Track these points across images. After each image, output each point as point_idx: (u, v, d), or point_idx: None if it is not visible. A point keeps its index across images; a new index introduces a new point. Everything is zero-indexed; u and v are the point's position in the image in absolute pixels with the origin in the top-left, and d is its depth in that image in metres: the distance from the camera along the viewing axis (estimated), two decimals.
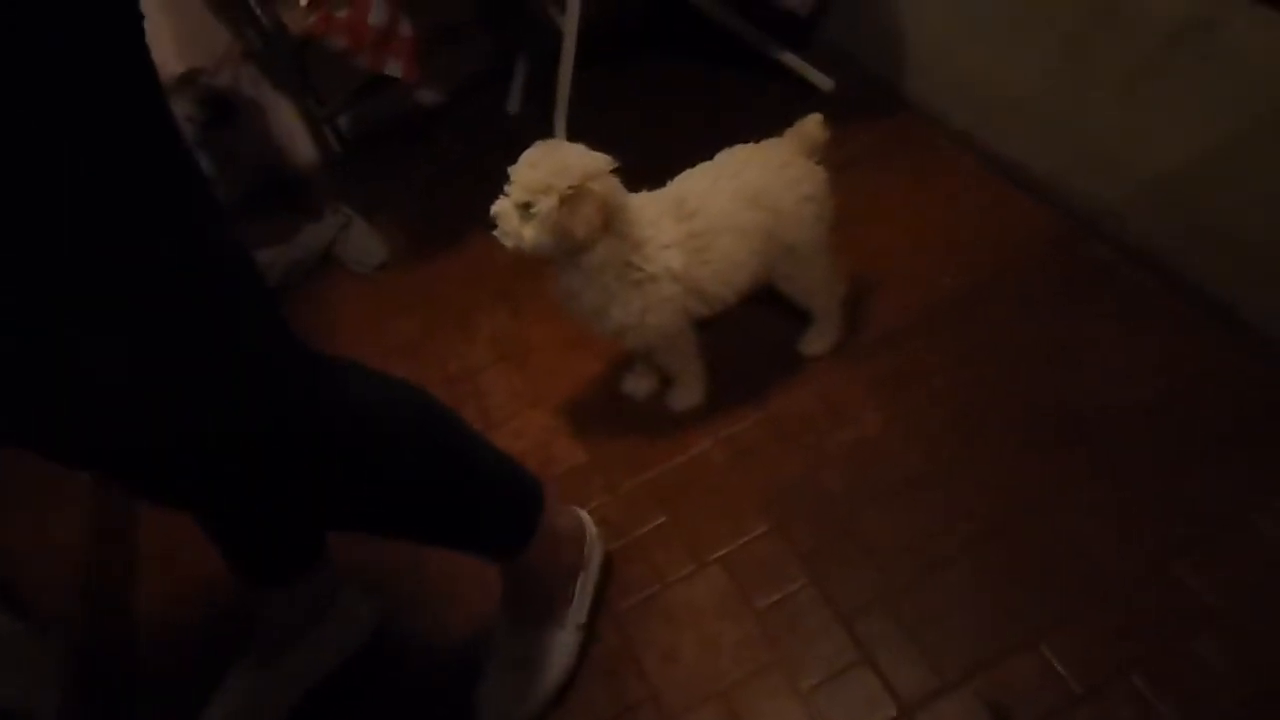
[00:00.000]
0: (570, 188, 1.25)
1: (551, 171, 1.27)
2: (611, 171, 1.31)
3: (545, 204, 1.27)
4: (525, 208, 1.29)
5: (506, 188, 1.32)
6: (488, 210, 1.34)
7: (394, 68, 2.03)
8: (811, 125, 1.47)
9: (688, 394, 1.67)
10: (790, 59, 2.28)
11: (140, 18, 0.69)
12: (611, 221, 1.31)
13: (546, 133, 2.20)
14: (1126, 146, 1.61)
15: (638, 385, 1.74)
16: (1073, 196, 1.76)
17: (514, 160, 1.31)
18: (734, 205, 1.42)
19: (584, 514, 1.47)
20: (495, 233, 1.34)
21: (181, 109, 2.45)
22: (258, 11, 2.32)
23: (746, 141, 1.50)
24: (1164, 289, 1.62)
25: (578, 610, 1.39)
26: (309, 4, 1.75)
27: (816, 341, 1.69)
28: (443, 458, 1.12)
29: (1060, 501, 1.39)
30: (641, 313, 1.41)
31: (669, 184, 1.47)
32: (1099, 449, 1.44)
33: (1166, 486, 1.37)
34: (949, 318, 1.69)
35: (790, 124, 1.50)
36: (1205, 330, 1.55)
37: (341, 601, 1.45)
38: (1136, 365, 1.53)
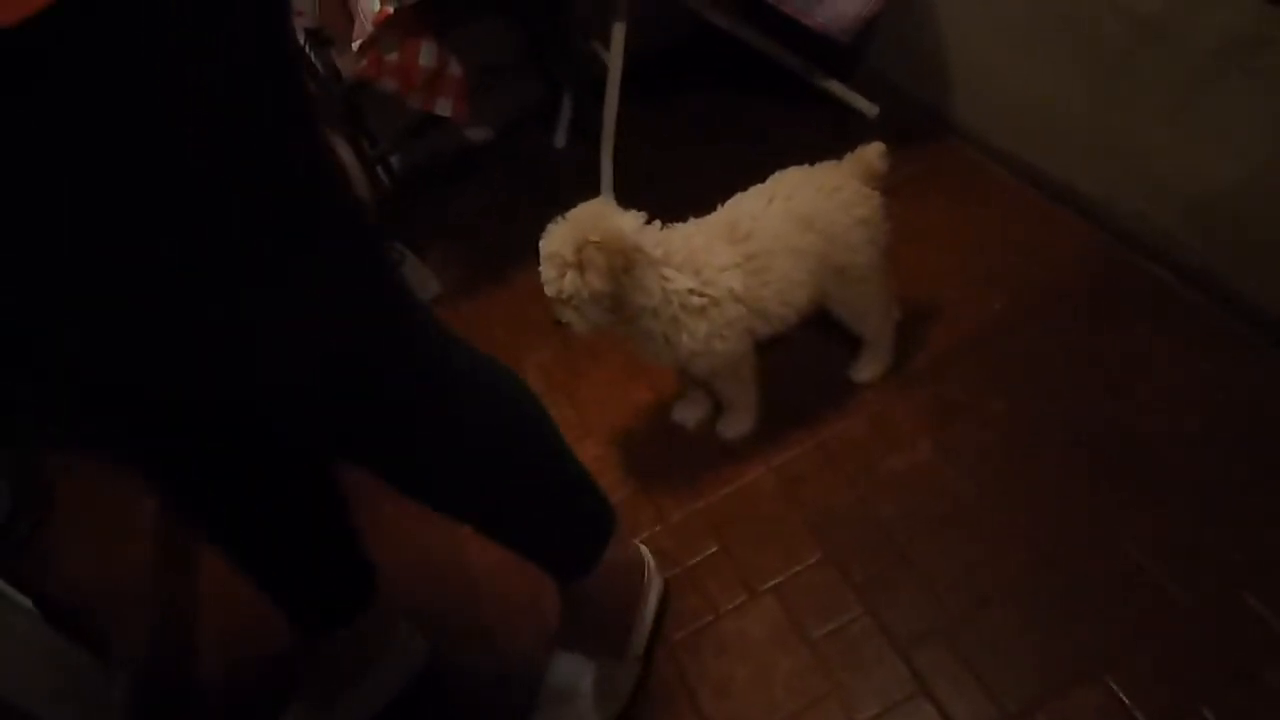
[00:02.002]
0: (575, 254, 1.30)
1: (557, 258, 1.32)
2: (623, 208, 1.36)
3: (570, 281, 1.32)
4: (568, 301, 1.35)
5: (558, 311, 1.39)
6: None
7: (444, 107, 2.07)
8: (873, 154, 1.47)
9: (740, 422, 1.67)
10: (834, 86, 2.29)
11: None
12: (630, 258, 1.33)
13: (593, 166, 2.22)
14: (1176, 165, 1.58)
15: (688, 414, 1.74)
16: (1123, 217, 1.73)
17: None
18: (788, 227, 1.43)
19: (643, 548, 1.47)
20: (573, 330, 1.40)
21: None
22: (312, 56, 2.39)
23: None
24: (1218, 309, 1.58)
25: (636, 642, 1.39)
26: (360, 48, 1.80)
27: (868, 367, 1.68)
28: (533, 453, 1.14)
29: (1120, 528, 1.36)
30: (708, 338, 1.43)
31: (720, 209, 1.49)
32: (1157, 474, 1.41)
33: (1230, 512, 1.34)
34: (1000, 342, 1.67)
35: (836, 151, 1.51)
36: (1262, 350, 1.51)
37: (396, 637, 1.46)
38: (1193, 388, 1.49)
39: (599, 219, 1.34)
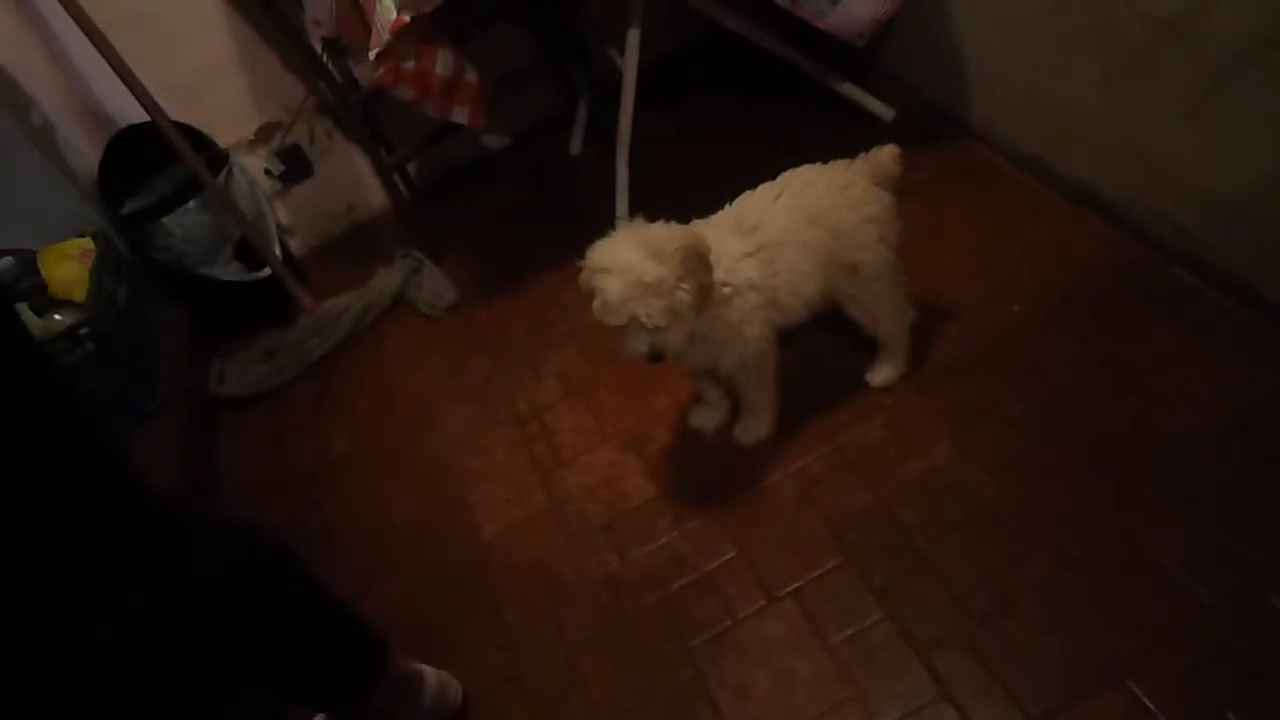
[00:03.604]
0: (678, 267, 1.29)
1: (662, 283, 1.29)
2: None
3: (680, 297, 1.30)
4: (675, 316, 1.33)
5: (635, 343, 1.36)
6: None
7: (460, 114, 2.08)
8: (886, 156, 1.47)
9: (758, 426, 1.66)
10: (850, 89, 2.29)
11: None
12: (707, 244, 1.35)
13: (609, 171, 2.23)
14: (1196, 164, 1.57)
15: (706, 419, 1.74)
16: (1143, 217, 1.72)
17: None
18: (794, 221, 1.44)
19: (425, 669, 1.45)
20: (658, 362, 1.38)
21: (259, 163, 2.56)
22: (329, 66, 2.41)
23: None
24: (1240, 309, 1.56)
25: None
26: (377, 57, 1.81)
27: (883, 370, 1.67)
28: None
29: (1140, 531, 1.35)
30: (739, 325, 1.44)
31: (727, 206, 1.50)
32: (1180, 476, 1.39)
33: (1252, 514, 1.32)
34: (1019, 344, 1.66)
35: (852, 153, 1.51)
36: None
37: (420, 698, 1.41)
38: (1215, 388, 1.48)
39: (653, 231, 1.34)
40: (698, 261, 1.32)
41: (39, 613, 0.94)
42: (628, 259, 1.31)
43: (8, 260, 2.08)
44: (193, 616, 1.07)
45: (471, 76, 2.06)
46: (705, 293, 1.35)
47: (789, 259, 1.44)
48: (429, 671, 1.44)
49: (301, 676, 1.24)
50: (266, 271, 2.38)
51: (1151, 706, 1.18)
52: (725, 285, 1.41)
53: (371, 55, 1.81)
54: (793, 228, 1.44)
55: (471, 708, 1.48)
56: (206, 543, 1.10)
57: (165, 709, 1.09)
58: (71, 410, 0.96)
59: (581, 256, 1.38)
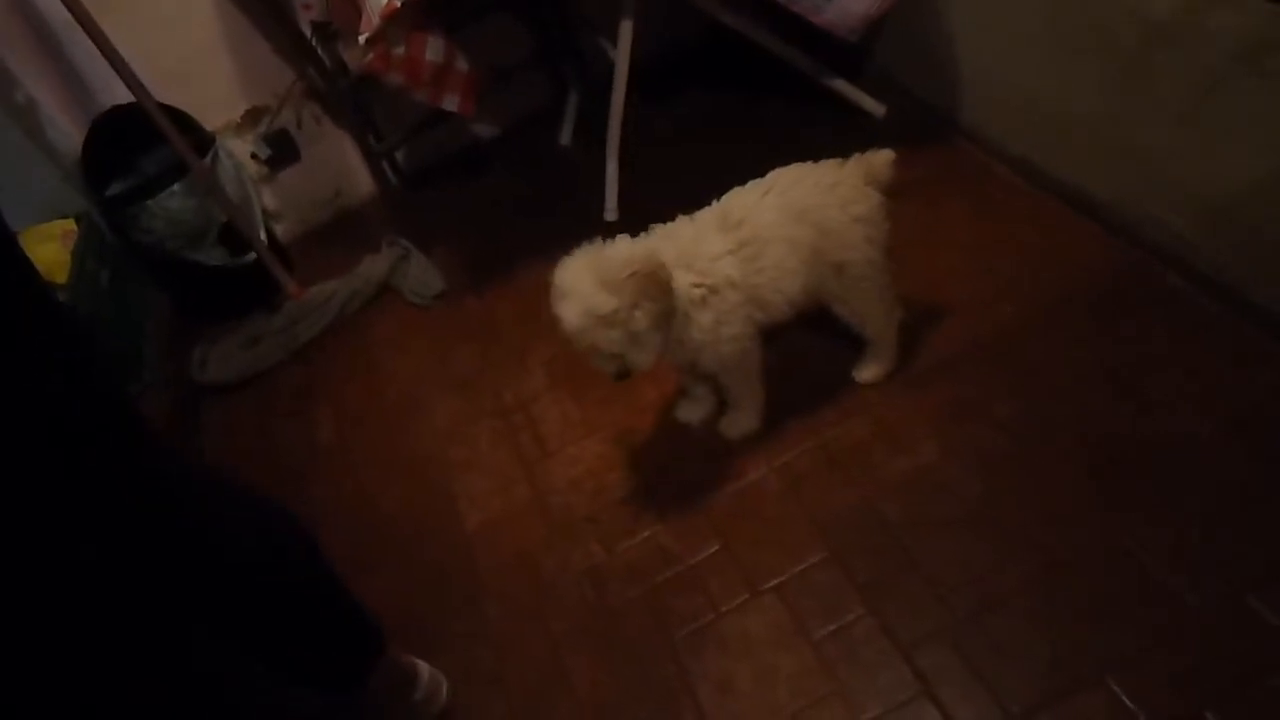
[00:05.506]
0: (630, 296, 1.30)
1: (614, 313, 1.31)
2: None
3: (638, 319, 1.32)
4: (635, 340, 1.35)
5: (602, 363, 1.39)
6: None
7: (451, 102, 2.06)
8: (880, 161, 1.47)
9: (745, 421, 1.66)
10: (842, 86, 2.28)
11: None
12: (667, 271, 1.35)
13: (599, 163, 2.22)
14: (1190, 168, 1.57)
15: (692, 413, 1.73)
16: (1135, 221, 1.72)
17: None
18: (781, 218, 1.44)
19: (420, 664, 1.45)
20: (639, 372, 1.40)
21: (246, 146, 2.53)
22: (319, 50, 2.38)
23: None
24: (1232, 313, 1.57)
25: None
26: (367, 42, 1.79)
27: (871, 368, 1.67)
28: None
29: (1127, 532, 1.35)
30: (715, 326, 1.43)
31: (714, 202, 1.50)
32: (1167, 478, 1.40)
33: (1239, 516, 1.32)
34: (1009, 345, 1.66)
35: (843, 150, 1.50)
36: (1274, 354, 1.50)
37: (413, 686, 1.41)
38: (1207, 392, 1.48)
39: (607, 257, 1.35)
40: (653, 286, 1.32)
41: (25, 580, 0.90)
42: (581, 289, 1.33)
43: None
44: (207, 599, 1.06)
45: (462, 65, 2.05)
46: (665, 315, 1.36)
47: (774, 255, 1.43)
48: (423, 666, 1.43)
49: (304, 661, 1.23)
50: (252, 257, 2.36)
51: (1131, 706, 1.18)
52: (699, 286, 1.40)
53: (361, 40, 1.80)
54: (779, 223, 1.43)
55: (455, 705, 1.47)
56: (229, 528, 1.08)
57: (169, 696, 1.08)
58: (67, 349, 0.89)
59: (570, 250, 1.37)
